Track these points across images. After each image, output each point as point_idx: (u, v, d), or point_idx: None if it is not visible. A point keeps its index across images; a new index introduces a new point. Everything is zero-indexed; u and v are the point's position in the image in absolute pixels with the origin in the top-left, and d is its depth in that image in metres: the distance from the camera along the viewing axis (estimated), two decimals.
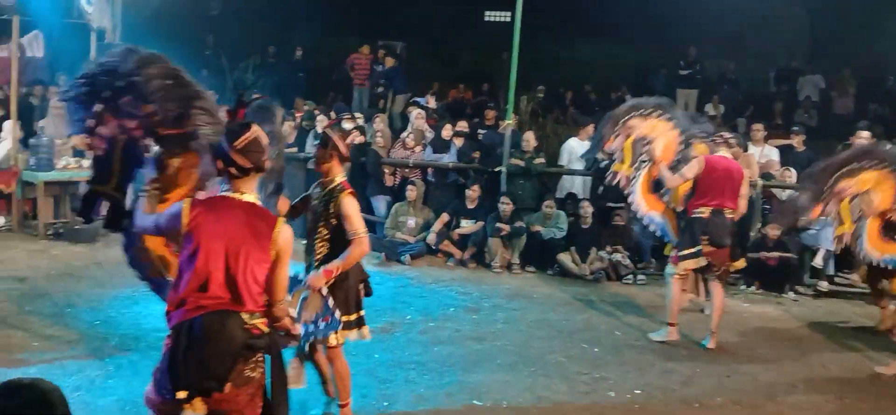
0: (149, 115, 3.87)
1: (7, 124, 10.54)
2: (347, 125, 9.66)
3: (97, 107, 3.90)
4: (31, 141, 10.38)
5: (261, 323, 3.44)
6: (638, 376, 6.30)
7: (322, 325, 4.59)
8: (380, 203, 10.71)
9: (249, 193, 3.46)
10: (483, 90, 16.09)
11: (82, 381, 5.37)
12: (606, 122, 7.69)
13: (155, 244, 4.13)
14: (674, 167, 7.22)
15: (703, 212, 6.94)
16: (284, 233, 3.45)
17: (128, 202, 4.31)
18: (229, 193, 3.44)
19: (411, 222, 10.07)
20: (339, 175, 4.75)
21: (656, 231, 7.59)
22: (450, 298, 8.30)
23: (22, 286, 7.68)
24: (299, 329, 3.96)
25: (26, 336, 6.29)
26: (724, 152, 7.13)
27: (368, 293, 4.92)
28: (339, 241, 4.62)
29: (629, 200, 7.70)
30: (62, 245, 9.48)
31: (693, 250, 6.94)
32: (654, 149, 7.35)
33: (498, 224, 9.66)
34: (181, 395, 3.32)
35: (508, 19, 16.41)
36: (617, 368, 6.46)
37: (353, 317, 4.77)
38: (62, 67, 14.24)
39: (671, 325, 7.14)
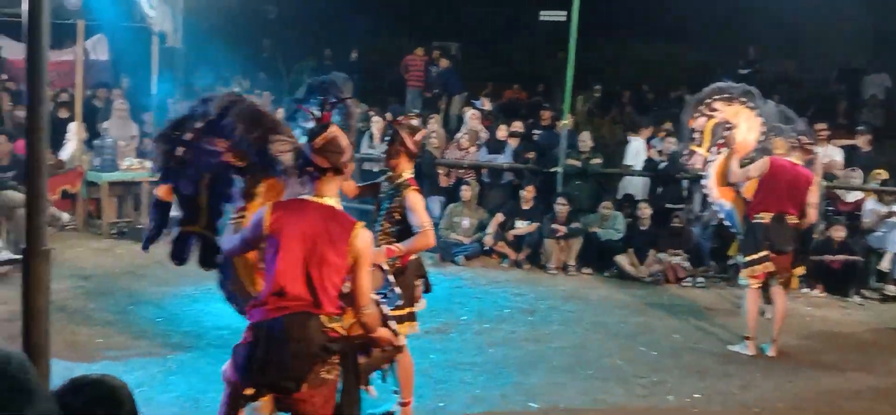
0: (230, 150, 3.96)
1: (72, 126, 10.82)
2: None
3: (179, 150, 4.01)
4: (96, 142, 10.64)
5: (338, 327, 3.46)
6: (697, 379, 6.19)
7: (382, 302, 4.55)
8: (434, 204, 10.71)
9: (330, 196, 3.47)
10: (538, 90, 16.00)
11: (144, 377, 5.48)
12: (691, 103, 7.57)
13: (246, 271, 4.17)
14: (751, 160, 7.07)
15: (764, 217, 6.76)
16: (362, 237, 3.41)
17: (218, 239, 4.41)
18: (309, 196, 3.46)
19: (466, 223, 10.06)
20: (407, 171, 4.77)
21: (724, 219, 7.40)
22: (505, 300, 8.26)
23: (86, 284, 7.88)
24: (403, 340, 3.91)
25: (91, 333, 6.44)
26: (796, 158, 6.90)
27: (427, 290, 4.93)
28: (402, 236, 4.65)
29: (702, 183, 7.55)
30: (125, 244, 9.70)
31: (756, 256, 6.76)
32: (734, 136, 7.19)
33: (554, 225, 9.59)
34: (248, 392, 3.40)
35: (564, 19, 16.30)
36: (675, 371, 6.36)
37: (405, 311, 4.78)
38: (125, 70, 14.60)
39: (748, 339, 6.91)
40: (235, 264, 4.02)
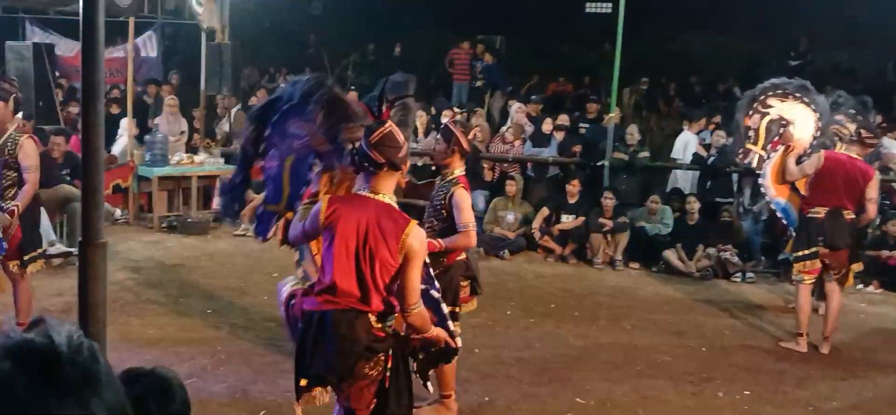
0: (313, 134, 4.02)
1: (124, 122, 11.02)
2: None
3: (267, 132, 4.11)
4: (146, 138, 10.82)
5: (388, 327, 3.47)
6: (748, 376, 6.09)
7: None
8: (478, 198, 10.68)
9: (386, 193, 3.47)
10: (584, 83, 15.87)
11: (195, 368, 5.56)
12: (745, 101, 7.43)
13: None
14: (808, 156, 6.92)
15: (819, 212, 6.60)
16: (415, 235, 3.40)
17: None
18: (366, 192, 3.47)
19: (510, 217, 10.02)
20: (459, 169, 4.78)
21: (782, 218, 7.25)
22: (550, 295, 8.21)
23: (138, 276, 8.02)
24: (458, 343, 3.90)
25: (143, 324, 6.56)
26: (855, 152, 6.68)
27: (475, 292, 4.94)
28: (447, 234, 4.65)
29: (759, 181, 7.42)
30: (175, 237, 9.86)
31: (808, 251, 6.61)
32: (790, 133, 7.04)
33: (600, 220, 9.50)
34: (302, 383, 3.46)
35: (609, 11, 16.17)
36: (726, 368, 6.26)
37: (448, 310, 4.77)
38: (174, 66, 14.84)
39: (800, 335, 6.75)
40: (311, 248, 4.08)
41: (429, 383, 4.55)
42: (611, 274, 9.28)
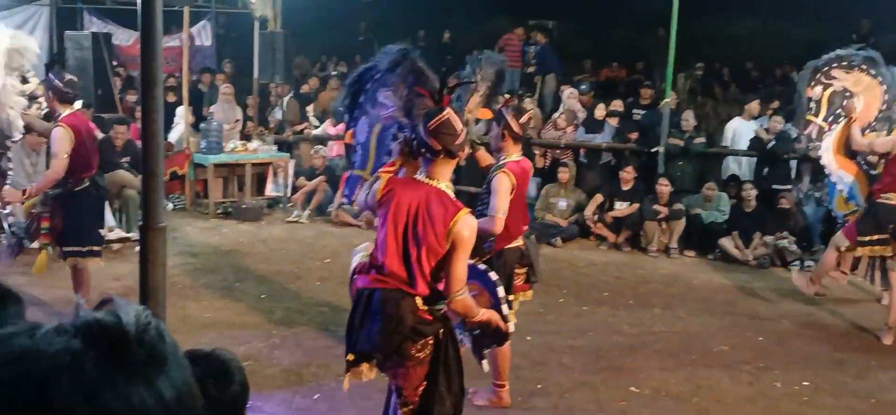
0: (396, 106, 4.06)
1: (180, 110, 11.21)
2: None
3: (361, 99, 4.16)
4: (202, 126, 10.98)
5: (437, 310, 3.47)
6: (806, 367, 5.95)
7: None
8: (530, 185, 10.62)
9: (442, 180, 3.45)
10: (637, 69, 15.65)
11: (251, 351, 5.63)
12: (809, 71, 7.23)
13: None
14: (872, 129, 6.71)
15: (891, 199, 6.37)
16: (464, 223, 3.35)
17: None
18: (422, 177, 3.47)
19: (562, 204, 9.94)
20: (514, 154, 4.74)
21: (844, 192, 7.03)
22: (604, 283, 8.13)
23: (195, 261, 8.16)
24: (511, 328, 3.87)
25: (200, 308, 6.66)
26: None
27: (530, 281, 4.91)
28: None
29: (819, 154, 7.23)
30: (230, 223, 10.01)
31: (875, 238, 6.41)
32: (853, 105, 6.81)
33: (655, 207, 9.36)
34: (350, 358, 3.51)
35: None
36: (783, 358, 6.13)
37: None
38: (227, 55, 15.03)
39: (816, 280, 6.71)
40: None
41: (484, 362, 4.53)
42: (665, 262, 9.16)
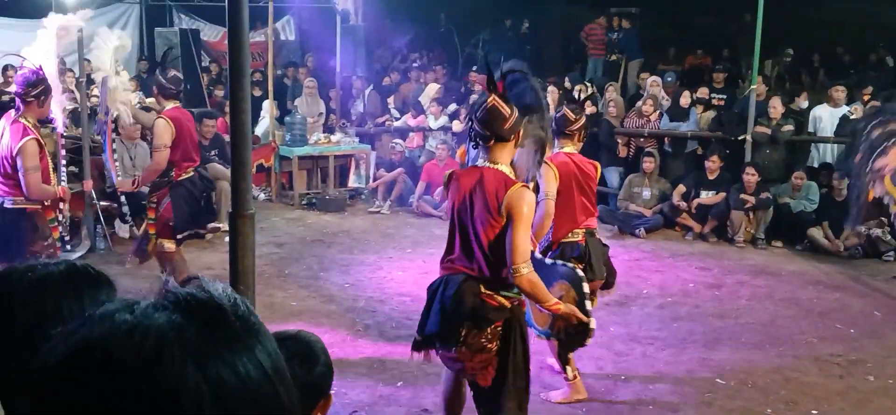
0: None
1: (265, 104, 11.47)
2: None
3: None
4: (286, 119, 11.23)
5: (502, 297, 3.48)
6: None
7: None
8: (612, 175, 10.50)
9: (502, 163, 3.48)
10: (723, 55, 15.27)
11: (335, 338, 5.75)
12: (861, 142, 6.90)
13: None
14: None
15: None
16: (519, 194, 3.35)
17: None
18: (482, 162, 3.52)
19: (646, 194, 9.79)
20: (566, 147, 4.75)
21: None
22: (688, 273, 7.98)
23: (281, 251, 8.36)
24: (593, 324, 3.77)
25: (286, 297, 6.83)
26: None
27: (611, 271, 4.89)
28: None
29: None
30: (315, 214, 10.21)
31: None
32: None
33: (742, 196, 9.13)
34: (417, 338, 3.65)
35: None
36: (876, 351, 5.91)
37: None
38: (310, 49, 15.29)
39: None
40: None
41: (567, 368, 4.52)
42: (752, 252, 8.92)
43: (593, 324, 3.76)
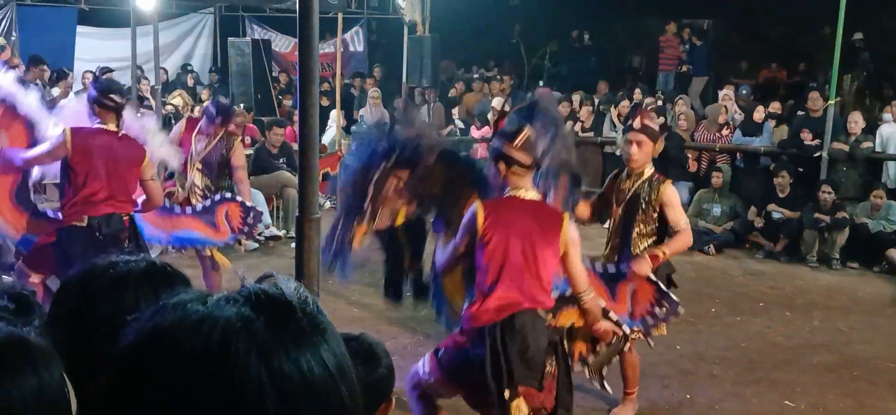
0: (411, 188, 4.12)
1: (333, 113, 11.62)
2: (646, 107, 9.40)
3: (369, 192, 4.07)
4: (353, 128, 11.35)
5: (554, 320, 3.58)
6: None
7: (662, 311, 4.32)
8: (682, 190, 10.29)
9: (530, 190, 3.57)
10: (799, 69, 14.87)
11: (396, 347, 5.76)
12: None
13: (455, 286, 4.24)
14: None
15: None
16: (571, 226, 3.55)
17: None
18: (513, 193, 3.55)
19: (716, 210, 9.57)
20: (649, 165, 4.59)
21: None
22: (759, 293, 7.76)
23: None
24: (626, 330, 3.97)
25: (349, 305, 6.87)
26: None
27: (674, 285, 4.75)
28: (660, 236, 4.51)
29: None
30: None
31: None
32: None
33: (816, 215, 8.84)
34: (506, 393, 3.45)
35: None
36: None
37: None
38: (378, 60, 15.46)
39: None
40: (445, 284, 4.14)
41: (606, 384, 4.43)
42: (826, 273, 8.63)
43: (626, 330, 3.93)
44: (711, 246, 9.21)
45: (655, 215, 4.49)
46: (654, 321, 4.33)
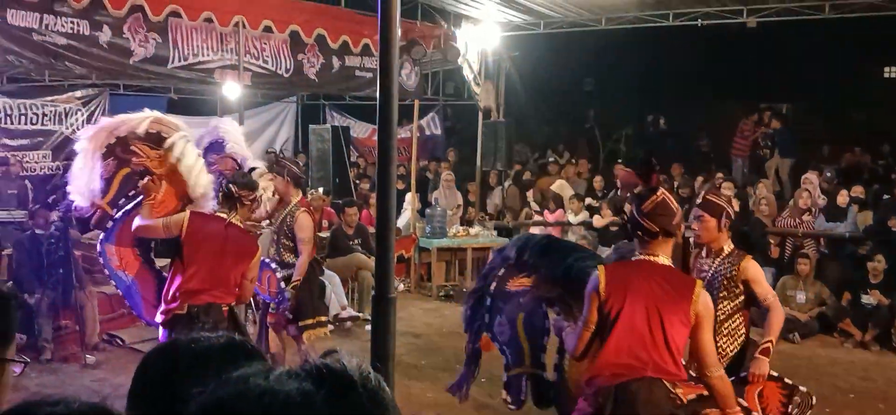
0: (536, 285, 4.16)
1: (408, 196, 11.73)
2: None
3: (488, 302, 4.27)
4: (427, 211, 11.43)
5: (681, 393, 3.37)
6: None
7: (794, 406, 4.14)
8: (765, 276, 9.98)
9: (664, 256, 3.42)
10: (883, 152, 14.43)
11: None
12: None
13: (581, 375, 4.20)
14: None
15: None
16: (704, 298, 3.35)
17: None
18: (644, 257, 3.42)
19: (801, 297, 9.22)
20: (728, 242, 4.49)
21: None
22: (849, 384, 7.39)
23: (418, 342, 8.38)
24: None
25: (422, 387, 6.81)
26: None
27: None
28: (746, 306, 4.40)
29: None
30: (452, 306, 10.20)
31: None
32: None
33: None
34: None
35: None
36: None
37: None
38: (454, 143, 15.64)
39: None
40: (570, 376, 4.08)
41: None
42: None
43: None
44: (796, 334, 8.86)
45: (738, 291, 4.36)
46: None
